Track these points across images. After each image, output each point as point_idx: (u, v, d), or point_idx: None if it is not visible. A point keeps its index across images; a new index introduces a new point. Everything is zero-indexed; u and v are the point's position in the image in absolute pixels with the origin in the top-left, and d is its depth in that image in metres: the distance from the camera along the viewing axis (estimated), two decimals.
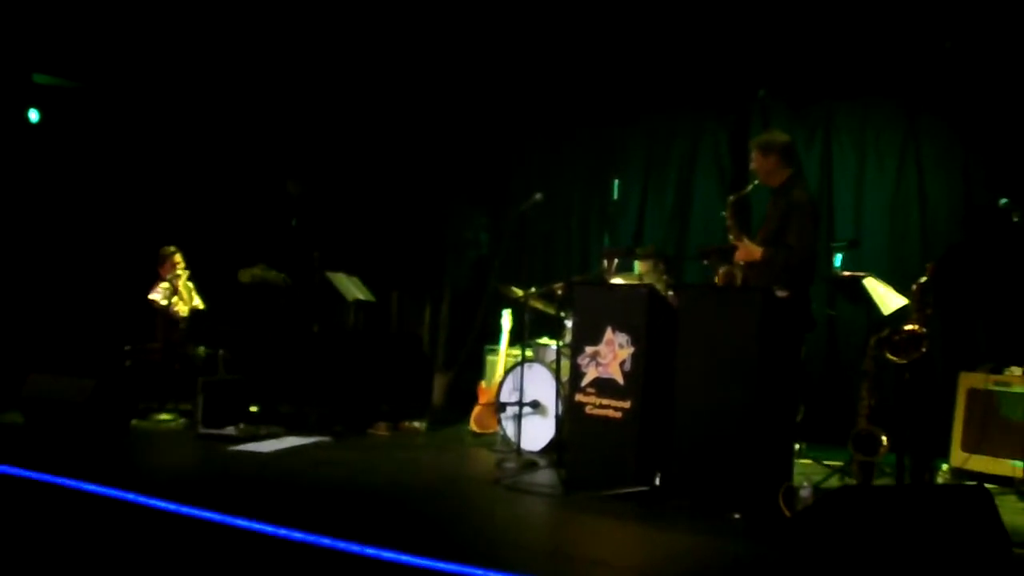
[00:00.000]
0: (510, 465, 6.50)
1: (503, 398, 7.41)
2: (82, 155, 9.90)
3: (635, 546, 4.69)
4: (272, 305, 8.86)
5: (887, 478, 5.94)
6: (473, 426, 8.02)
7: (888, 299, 6.52)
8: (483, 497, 5.76)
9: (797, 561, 4.32)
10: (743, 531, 4.87)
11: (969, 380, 6.57)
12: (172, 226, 9.47)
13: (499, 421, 7.52)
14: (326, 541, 4.15)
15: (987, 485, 4.91)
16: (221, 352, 8.21)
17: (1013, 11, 7.41)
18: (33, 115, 9.50)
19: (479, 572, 3.80)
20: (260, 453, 6.72)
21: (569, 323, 6.87)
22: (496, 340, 8.30)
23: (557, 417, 6.76)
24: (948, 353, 7.52)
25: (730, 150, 9.11)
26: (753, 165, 6.09)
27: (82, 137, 9.90)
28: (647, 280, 6.81)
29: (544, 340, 7.92)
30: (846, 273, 6.89)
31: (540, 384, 7.14)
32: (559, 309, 7.21)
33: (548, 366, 7.18)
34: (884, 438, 5.33)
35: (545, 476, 6.10)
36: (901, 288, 6.41)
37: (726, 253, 6.10)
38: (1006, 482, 6.09)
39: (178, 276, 8.60)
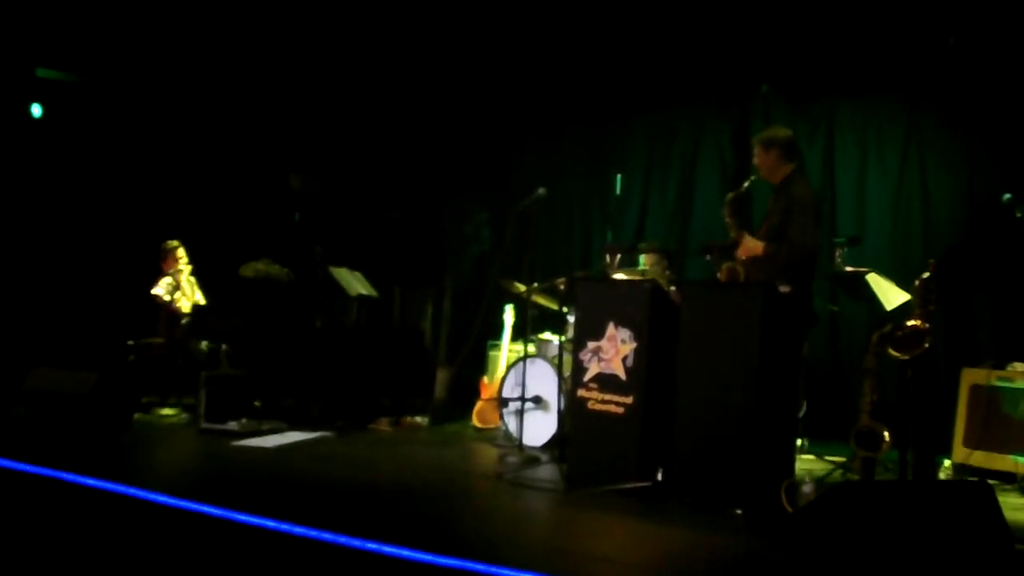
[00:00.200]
0: (512, 460, 6.51)
1: (505, 393, 7.42)
2: (85, 150, 9.90)
3: (637, 542, 4.69)
4: (275, 300, 8.86)
5: (889, 474, 5.94)
6: (475, 421, 8.03)
7: (891, 295, 6.51)
8: (485, 492, 5.78)
9: (799, 557, 4.32)
10: (745, 527, 4.87)
11: (971, 376, 6.56)
12: (175, 221, 9.48)
13: (501, 416, 7.52)
14: (328, 536, 4.14)
15: (989, 481, 4.91)
16: (223, 347, 8.21)
17: (1015, 7, 7.40)
18: (36, 110, 9.51)
19: (481, 567, 3.80)
20: (262, 448, 6.73)
21: (571, 318, 6.87)
22: (498, 335, 8.30)
23: (559, 412, 6.76)
24: (950, 349, 7.52)
25: (732, 145, 9.11)
26: (755, 161, 6.10)
27: (85, 132, 9.90)
28: (650, 275, 6.81)
29: (546, 335, 7.92)
30: (849, 269, 6.88)
31: (542, 379, 7.14)
32: (561, 304, 7.21)
33: (550, 361, 7.18)
34: (886, 434, 5.33)
35: (547, 471, 6.10)
36: (903, 284, 6.40)
37: (728, 249, 6.09)
38: (1008, 478, 6.08)
39: (180, 271, 8.60)
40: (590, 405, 5.73)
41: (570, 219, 10.05)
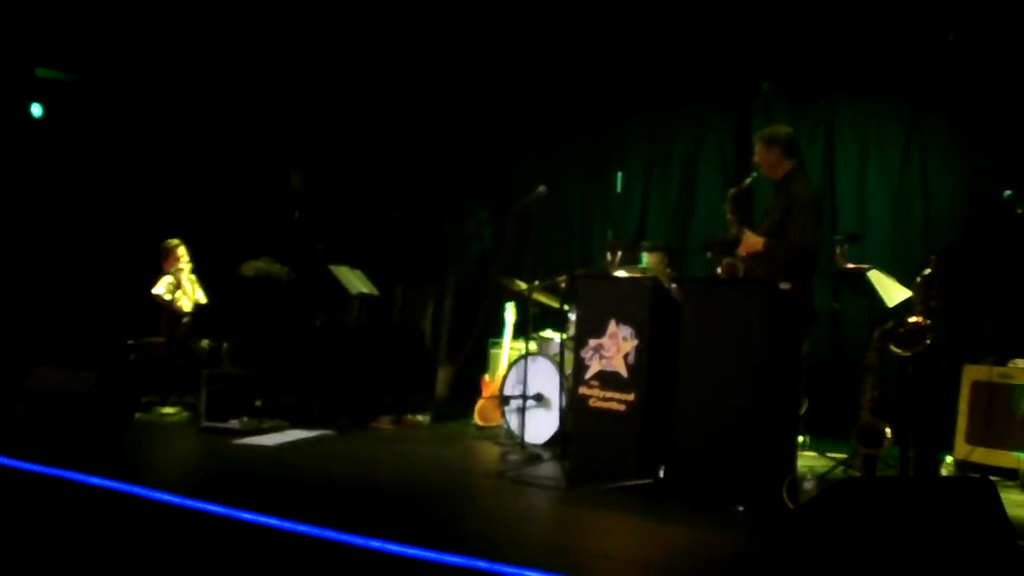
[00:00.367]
0: (514, 458, 6.51)
1: (507, 391, 7.42)
2: (85, 149, 9.90)
3: (639, 539, 4.69)
4: (275, 299, 8.86)
5: (891, 471, 5.93)
6: (477, 419, 8.03)
7: (892, 292, 6.51)
8: (487, 490, 5.78)
9: (801, 554, 4.32)
10: (746, 524, 4.87)
11: (973, 372, 6.56)
12: (175, 219, 9.47)
13: (503, 414, 7.52)
14: (330, 534, 4.14)
15: (991, 477, 4.91)
16: (224, 346, 8.22)
17: (1015, 4, 7.39)
18: (36, 109, 9.50)
19: (483, 565, 3.80)
20: (263, 447, 6.72)
21: (573, 316, 6.87)
22: (500, 333, 8.30)
23: (561, 410, 6.77)
24: (952, 345, 7.51)
25: (733, 144, 9.11)
26: (756, 158, 6.11)
27: (85, 131, 9.90)
28: (651, 273, 6.81)
29: (548, 333, 7.92)
30: (850, 266, 6.87)
31: (544, 377, 7.14)
32: (563, 302, 7.21)
33: (552, 359, 7.18)
34: (888, 431, 5.33)
35: (549, 469, 6.10)
36: (905, 281, 6.40)
37: (729, 246, 6.09)
38: (1010, 474, 6.09)
39: (181, 270, 8.60)
40: (591, 403, 5.73)
41: (571, 217, 10.05)
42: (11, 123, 9.42)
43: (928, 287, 5.70)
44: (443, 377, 9.40)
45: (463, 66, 9.75)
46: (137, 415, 7.60)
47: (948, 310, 7.40)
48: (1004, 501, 4.35)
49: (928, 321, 5.57)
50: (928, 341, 5.51)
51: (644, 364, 5.53)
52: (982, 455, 6.30)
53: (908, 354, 5.55)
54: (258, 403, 8.12)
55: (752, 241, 5.93)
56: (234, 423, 7.34)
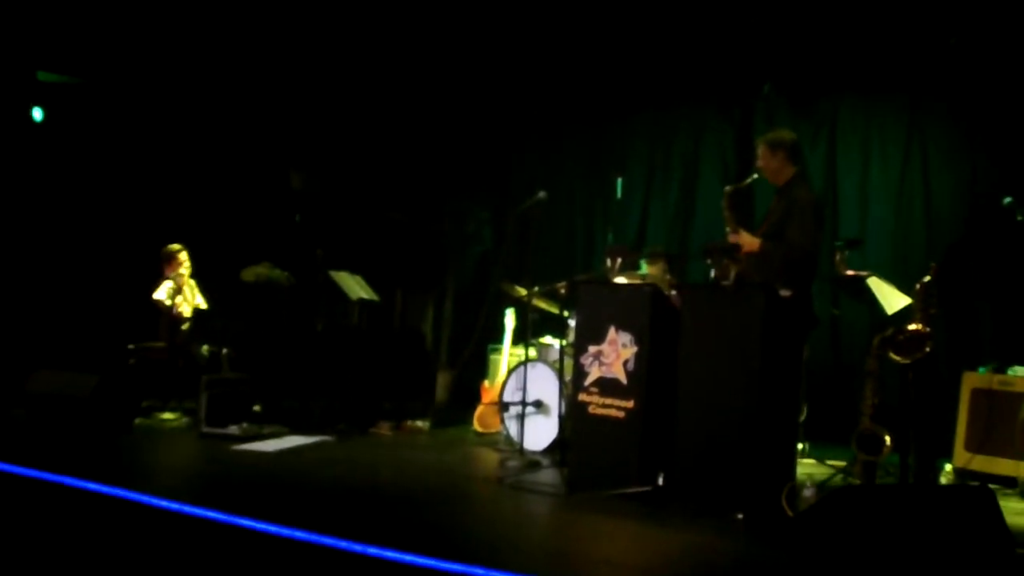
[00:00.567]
0: (513, 464, 6.51)
1: (506, 397, 7.41)
2: (86, 153, 9.90)
3: (638, 546, 4.68)
4: (276, 304, 8.86)
5: (890, 478, 5.93)
6: (476, 425, 8.02)
7: (892, 298, 6.51)
8: (486, 497, 5.77)
9: (800, 561, 4.32)
10: (746, 531, 4.87)
11: (973, 380, 6.56)
12: (176, 224, 9.47)
13: (502, 420, 7.52)
14: (329, 541, 4.14)
15: (990, 485, 4.91)
16: (225, 351, 8.21)
17: (1017, 6, 7.40)
18: (37, 113, 9.51)
19: (482, 572, 3.80)
20: (263, 452, 6.72)
21: (572, 322, 6.87)
22: (499, 339, 8.30)
23: (560, 416, 6.76)
24: (952, 353, 7.51)
25: (734, 146, 9.11)
26: (759, 162, 6.07)
27: (86, 135, 9.91)
28: (651, 279, 6.81)
29: (547, 339, 7.92)
30: (850, 272, 6.88)
31: (543, 383, 7.13)
32: (562, 308, 7.21)
33: (551, 365, 7.18)
34: (887, 438, 5.32)
35: (548, 476, 6.10)
36: (905, 287, 6.40)
37: (730, 251, 6.09)
38: (1009, 482, 6.08)
39: (181, 275, 8.59)
40: (591, 409, 5.73)
41: (571, 221, 10.05)
42: (12, 127, 9.42)
43: (928, 294, 5.70)
44: (443, 382, 9.39)
45: (464, 69, 9.75)
46: (137, 420, 7.60)
47: (948, 317, 7.40)
48: (1003, 509, 4.35)
49: (928, 328, 5.57)
50: (928, 348, 5.51)
51: (644, 371, 5.53)
52: (982, 463, 6.30)
53: (908, 361, 5.55)
54: (258, 408, 8.11)
55: (748, 240, 5.94)
56: (234, 428, 7.34)
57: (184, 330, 8.44)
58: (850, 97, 8.61)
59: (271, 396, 8.26)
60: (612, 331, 5.67)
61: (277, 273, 8.70)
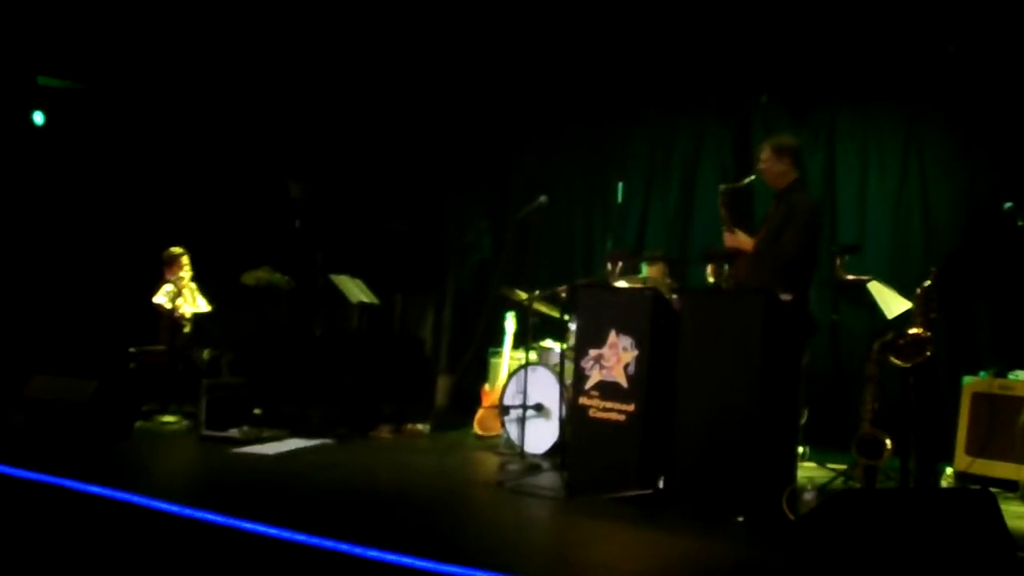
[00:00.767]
0: (513, 468, 6.50)
1: (507, 401, 7.41)
2: (87, 157, 9.91)
3: (638, 550, 4.68)
4: (276, 308, 8.86)
5: (891, 482, 5.92)
6: (476, 429, 8.02)
7: (892, 303, 6.51)
8: (486, 500, 5.77)
9: (801, 565, 4.31)
10: (746, 535, 4.87)
11: (973, 384, 6.56)
12: (176, 228, 9.46)
13: (503, 424, 7.52)
14: (329, 544, 4.14)
15: (991, 489, 4.90)
16: (225, 355, 8.21)
17: (1015, 15, 7.41)
18: (38, 117, 9.52)
19: (482, 575, 3.80)
20: (263, 455, 6.72)
21: (573, 326, 6.87)
22: (500, 343, 8.29)
23: (560, 420, 6.76)
24: (952, 357, 7.51)
25: (733, 153, 9.11)
26: (763, 165, 6.06)
27: (86, 139, 9.91)
28: (652, 283, 6.81)
29: (548, 343, 7.91)
30: (850, 277, 6.87)
31: (544, 387, 7.13)
32: (563, 312, 7.21)
33: (552, 369, 7.18)
34: (888, 442, 5.31)
35: (548, 479, 6.09)
36: (904, 290, 6.40)
37: (729, 256, 6.09)
38: (1010, 486, 6.08)
39: (182, 278, 8.58)
40: (591, 413, 5.73)
41: (571, 226, 10.04)
42: (13, 131, 9.42)
43: (928, 299, 5.70)
44: (443, 386, 9.39)
45: (464, 75, 9.75)
46: (137, 424, 7.59)
47: (948, 322, 7.40)
48: (1004, 513, 4.35)
49: (928, 333, 5.56)
50: (928, 353, 5.50)
51: (644, 374, 5.53)
52: (982, 467, 6.30)
53: (908, 365, 5.54)
54: (258, 412, 8.11)
55: (744, 240, 5.95)
56: (234, 432, 7.34)
57: (184, 334, 8.44)
58: (847, 106, 8.61)
59: (271, 400, 8.26)
60: (613, 335, 5.68)
61: (277, 277, 8.70)
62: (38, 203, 9.59)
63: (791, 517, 4.99)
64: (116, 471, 5.95)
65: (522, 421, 6.98)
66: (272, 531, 4.34)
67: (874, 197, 8.42)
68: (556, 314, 7.58)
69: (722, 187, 6.24)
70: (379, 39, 9.39)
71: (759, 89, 8.74)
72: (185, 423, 7.99)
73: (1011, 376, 6.46)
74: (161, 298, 8.51)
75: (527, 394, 7.07)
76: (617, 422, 5.59)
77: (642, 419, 5.50)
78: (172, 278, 8.56)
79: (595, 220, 9.88)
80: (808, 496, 5.21)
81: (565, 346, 6.89)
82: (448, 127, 10.28)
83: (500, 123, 10.25)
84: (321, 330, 8.87)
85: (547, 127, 10.16)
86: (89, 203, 9.88)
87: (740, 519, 5.00)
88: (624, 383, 5.60)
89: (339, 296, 8.40)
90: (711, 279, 6.19)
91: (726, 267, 6.04)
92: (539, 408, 7.16)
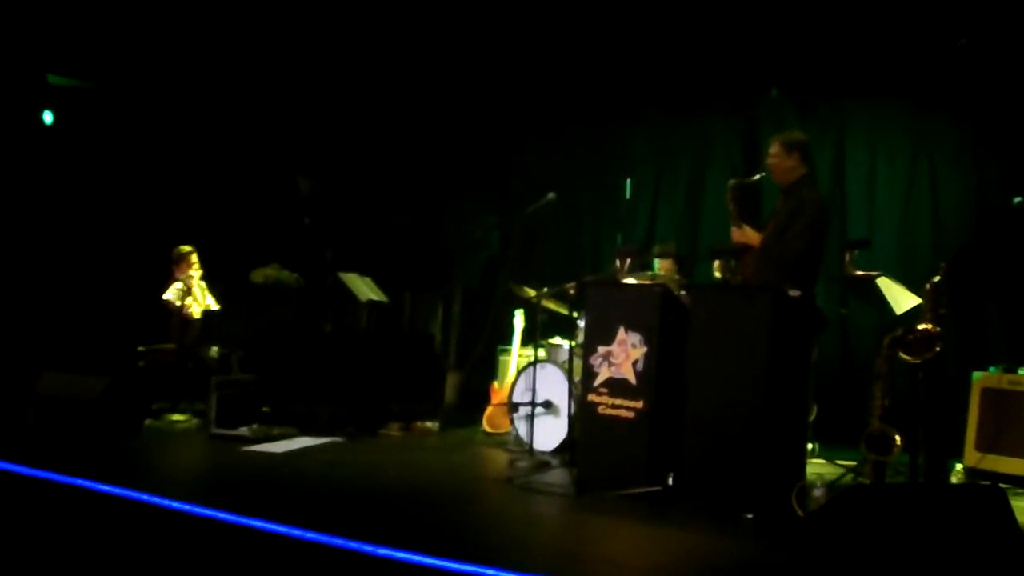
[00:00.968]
0: (522, 465, 6.50)
1: (515, 398, 7.42)
2: (96, 156, 9.93)
3: (647, 546, 4.68)
4: (285, 305, 8.87)
5: (900, 478, 5.91)
6: (486, 426, 8.03)
7: (901, 299, 6.50)
8: (495, 497, 5.77)
9: (810, 561, 4.31)
10: (755, 531, 4.86)
11: (983, 380, 6.54)
12: (185, 226, 9.48)
13: (511, 421, 7.52)
14: (339, 541, 4.15)
15: (1001, 485, 4.89)
16: (234, 353, 8.22)
17: (1022, 10, 7.38)
18: (48, 116, 9.54)
19: (491, 572, 3.80)
20: (273, 454, 6.73)
21: (581, 323, 6.87)
22: (508, 340, 8.30)
23: (569, 417, 6.76)
24: (961, 352, 7.50)
25: (742, 149, 9.10)
26: (771, 160, 6.04)
27: (96, 138, 9.94)
28: (661, 279, 6.81)
29: (556, 340, 7.92)
30: (859, 273, 6.86)
31: (552, 384, 7.14)
32: (571, 309, 7.21)
33: (560, 366, 7.18)
34: (897, 438, 5.31)
35: (557, 476, 6.10)
36: (914, 288, 6.38)
37: (737, 252, 6.09)
38: (1020, 481, 6.07)
39: (191, 276, 8.60)
40: (600, 410, 5.73)
41: (580, 223, 10.04)
42: (23, 129, 9.45)
43: (938, 294, 5.69)
44: (452, 383, 9.39)
45: (472, 72, 9.75)
46: (147, 422, 7.60)
47: (958, 317, 7.38)
48: (1014, 509, 4.33)
49: (938, 328, 5.56)
50: (938, 348, 5.49)
51: (653, 371, 5.53)
52: (992, 462, 6.28)
53: (918, 361, 5.53)
54: (267, 410, 8.12)
55: (751, 235, 5.94)
56: (243, 430, 7.35)
57: (194, 331, 8.46)
58: (856, 101, 8.60)
59: (280, 398, 8.27)
60: (621, 331, 5.67)
61: (286, 275, 8.71)
62: (49, 201, 9.62)
63: (800, 513, 4.99)
64: (125, 469, 5.97)
65: (531, 418, 6.98)
66: (282, 529, 4.35)
67: (883, 192, 8.41)
68: (565, 311, 7.58)
69: (731, 182, 6.24)
70: (386, 39, 9.39)
71: (767, 84, 8.73)
72: (195, 421, 8.00)
73: (1021, 372, 6.44)
74: (170, 295, 8.53)
75: (536, 391, 7.08)
76: (626, 419, 5.59)
77: (651, 416, 5.50)
78: (181, 276, 8.58)
79: (602, 217, 9.89)
80: (817, 492, 5.20)
81: (574, 343, 6.89)
82: (456, 126, 10.28)
83: (506, 122, 10.25)
84: (330, 328, 8.87)
85: (553, 125, 10.15)
86: (99, 201, 9.91)
87: (749, 516, 5.00)
88: (633, 380, 5.60)
89: (348, 294, 8.41)
90: (717, 274, 6.20)
91: (733, 263, 6.03)
92: (548, 405, 7.16)
